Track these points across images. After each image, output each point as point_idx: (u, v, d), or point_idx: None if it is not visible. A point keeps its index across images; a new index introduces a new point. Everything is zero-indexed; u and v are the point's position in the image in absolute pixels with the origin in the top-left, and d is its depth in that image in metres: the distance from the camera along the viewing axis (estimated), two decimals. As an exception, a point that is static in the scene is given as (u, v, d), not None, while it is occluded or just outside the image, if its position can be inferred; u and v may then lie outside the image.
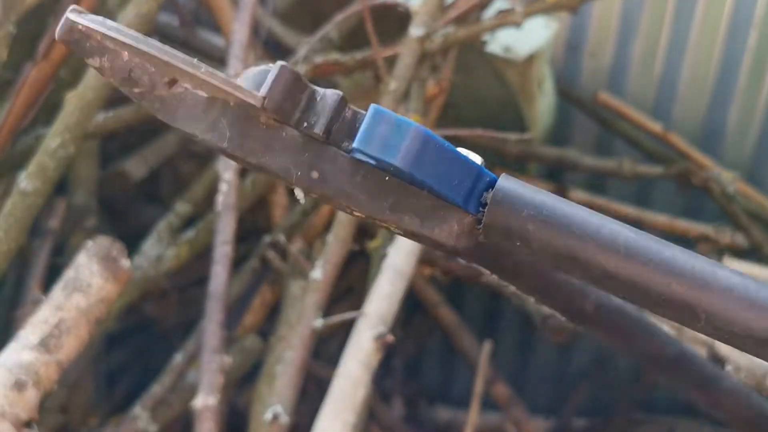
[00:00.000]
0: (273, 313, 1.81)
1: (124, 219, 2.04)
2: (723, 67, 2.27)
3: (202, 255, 1.85)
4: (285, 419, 1.13)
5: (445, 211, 0.59)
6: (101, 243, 1.25)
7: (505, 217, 0.60)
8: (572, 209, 0.64)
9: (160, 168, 2.06)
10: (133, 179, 1.92)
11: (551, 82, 2.25)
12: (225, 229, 1.27)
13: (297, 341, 1.16)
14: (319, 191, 0.59)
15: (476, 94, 2.28)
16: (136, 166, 1.93)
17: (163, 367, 2.18)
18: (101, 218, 1.87)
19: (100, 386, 1.83)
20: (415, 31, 1.44)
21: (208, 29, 2.62)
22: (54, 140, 1.35)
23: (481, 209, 0.61)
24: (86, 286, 1.21)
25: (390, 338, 1.25)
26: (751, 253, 2.05)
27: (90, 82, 1.38)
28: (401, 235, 0.61)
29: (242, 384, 1.92)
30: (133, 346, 2.21)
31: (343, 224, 1.22)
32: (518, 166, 2.32)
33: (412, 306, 2.58)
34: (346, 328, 2.27)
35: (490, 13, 1.68)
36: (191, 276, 2.18)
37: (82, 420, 1.68)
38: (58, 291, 1.20)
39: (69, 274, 1.22)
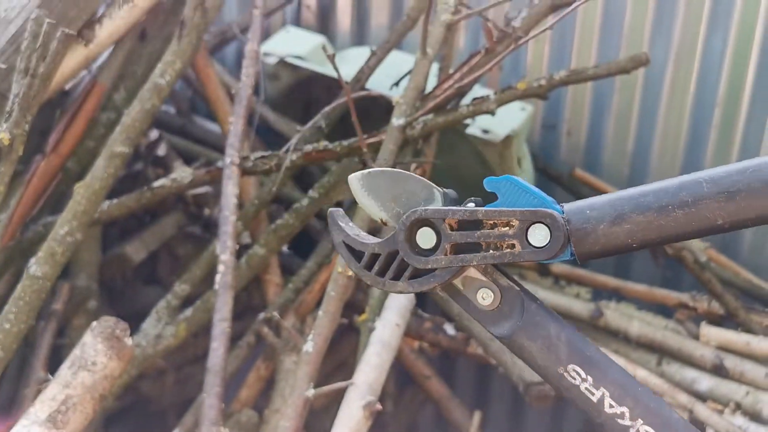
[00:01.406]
0: (267, 388, 1.87)
1: (123, 301, 2.11)
2: (690, 143, 2.40)
3: (198, 334, 1.93)
4: (280, 487, 1.19)
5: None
6: (105, 323, 1.33)
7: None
8: None
9: (158, 251, 2.15)
10: (132, 262, 2.01)
11: (529, 160, 2.36)
12: (223, 307, 1.35)
13: (290, 411, 1.23)
14: None
15: (458, 173, 2.40)
16: (135, 250, 2.02)
17: (160, 445, 2.21)
18: (102, 300, 1.95)
19: (99, 465, 1.86)
20: (397, 120, 1.56)
21: (203, 117, 2.77)
22: (62, 227, 1.45)
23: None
24: (91, 364, 1.28)
25: (378, 406, 1.32)
26: (727, 320, 2.13)
27: (97, 173, 1.49)
28: None
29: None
30: (130, 426, 2.25)
31: (333, 299, 1.31)
32: (502, 240, 2.42)
33: (403, 380, 2.63)
34: (339, 402, 2.32)
35: (467, 100, 1.81)
36: (187, 355, 2.24)
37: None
38: (65, 369, 1.28)
39: (75, 352, 1.30)
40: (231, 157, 1.52)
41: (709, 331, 2.02)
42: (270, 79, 2.49)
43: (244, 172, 1.65)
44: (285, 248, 2.04)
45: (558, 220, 0.85)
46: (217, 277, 1.38)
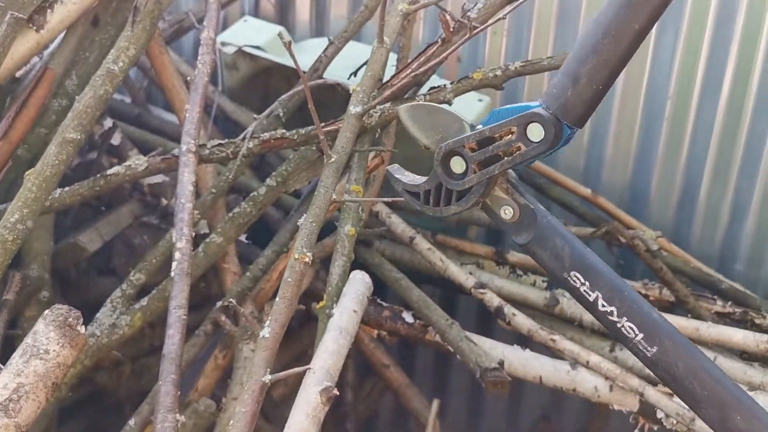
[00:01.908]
0: (225, 377, 1.87)
1: (77, 291, 2.08)
2: (644, 135, 2.46)
3: (154, 325, 1.91)
4: (236, 473, 1.19)
5: None
6: (58, 311, 1.31)
7: None
8: None
9: (113, 241, 2.12)
10: (86, 252, 1.98)
11: (487, 152, 2.39)
12: (179, 295, 1.34)
13: (247, 397, 1.23)
14: None
15: (417, 162, 2.42)
16: (89, 239, 1.99)
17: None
18: (55, 291, 1.92)
19: (52, 458, 1.83)
20: (354, 108, 1.57)
21: (159, 107, 2.73)
22: (13, 215, 1.42)
23: None
24: (44, 352, 1.26)
25: (335, 392, 1.33)
26: (678, 307, 2.19)
27: (49, 160, 1.47)
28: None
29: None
30: (86, 419, 2.22)
31: (290, 285, 1.31)
32: (459, 231, 2.44)
33: (364, 370, 2.65)
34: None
35: (424, 90, 1.82)
36: (143, 346, 2.22)
37: (35, 492, 1.68)
38: (16, 357, 1.26)
39: (27, 341, 1.28)
40: (187, 145, 1.51)
41: (660, 317, 2.07)
42: (228, 69, 2.47)
43: (201, 160, 1.64)
44: (243, 237, 2.03)
45: (541, 113, 0.99)
46: (174, 265, 1.38)
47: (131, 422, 1.58)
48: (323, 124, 1.57)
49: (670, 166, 2.44)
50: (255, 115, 1.73)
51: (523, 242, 1.08)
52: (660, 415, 1.90)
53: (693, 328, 2.03)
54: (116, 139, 2.22)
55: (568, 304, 2.19)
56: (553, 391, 2.53)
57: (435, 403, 2.16)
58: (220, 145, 1.66)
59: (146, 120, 2.56)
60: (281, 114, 1.81)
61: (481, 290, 2.06)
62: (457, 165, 1.05)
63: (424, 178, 1.10)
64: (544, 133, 0.98)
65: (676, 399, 1.90)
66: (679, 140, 2.41)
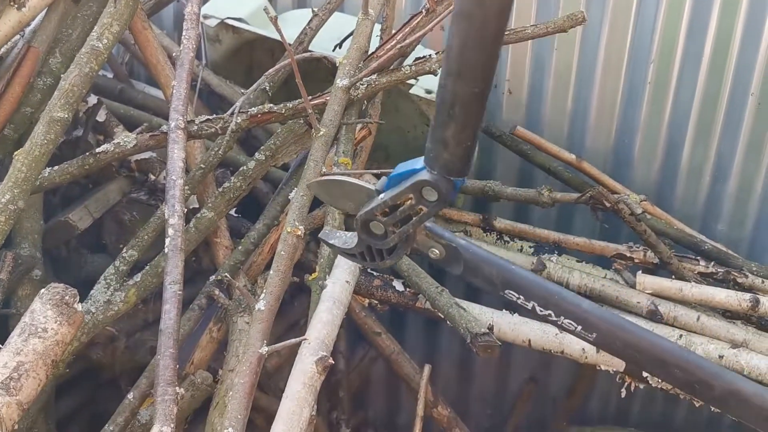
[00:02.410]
0: (220, 350, 1.89)
1: (69, 269, 2.09)
2: (627, 100, 2.48)
3: (147, 300, 1.92)
4: (237, 442, 1.22)
5: None
6: (54, 289, 1.32)
7: None
8: None
9: (103, 218, 2.13)
10: (77, 229, 1.98)
11: (472, 120, 2.40)
12: (173, 270, 1.36)
13: (245, 368, 1.25)
14: None
15: (403, 133, 2.43)
16: (79, 217, 1.99)
17: (110, 412, 2.21)
18: (47, 269, 1.92)
19: (51, 433, 1.86)
20: (341, 81, 1.57)
21: (141, 81, 2.71)
22: (4, 195, 1.42)
23: None
24: (42, 330, 1.28)
25: (330, 361, 1.36)
26: (662, 268, 2.23)
27: (37, 140, 1.47)
28: None
29: (193, 419, 1.98)
30: (82, 394, 2.24)
31: (284, 258, 1.32)
32: (447, 199, 2.47)
33: (355, 339, 2.68)
34: (292, 362, 2.35)
35: (409, 61, 1.83)
36: (137, 322, 2.24)
37: (37, 466, 1.71)
38: (15, 337, 1.27)
39: (25, 320, 1.29)
40: (176, 121, 1.52)
41: (644, 279, 2.12)
42: (211, 42, 2.46)
43: (190, 136, 1.64)
44: (233, 212, 2.04)
45: (428, 179, 1.08)
46: (167, 241, 1.39)
47: (130, 396, 1.60)
48: (311, 97, 1.58)
49: (654, 129, 2.47)
50: (242, 90, 1.73)
51: (458, 273, 1.20)
52: (645, 374, 1.95)
53: (677, 289, 2.07)
54: (101, 116, 2.21)
55: (555, 269, 2.23)
56: (540, 354, 2.59)
57: (426, 369, 2.20)
58: (208, 120, 1.67)
59: (129, 95, 2.54)
60: (268, 88, 1.81)
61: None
62: (377, 228, 1.17)
63: (354, 239, 1.21)
64: (437, 194, 1.09)
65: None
66: (662, 104, 2.43)
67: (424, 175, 1.08)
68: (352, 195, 1.18)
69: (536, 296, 1.17)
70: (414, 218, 1.13)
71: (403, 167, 1.12)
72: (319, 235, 1.26)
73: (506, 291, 1.18)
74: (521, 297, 1.17)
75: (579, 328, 1.16)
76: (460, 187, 1.09)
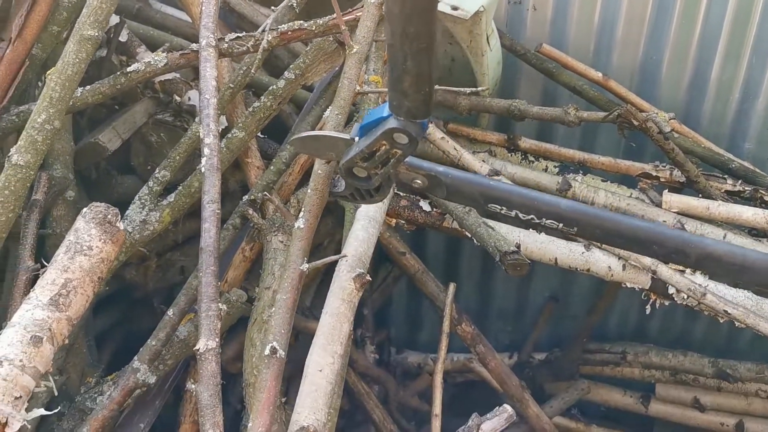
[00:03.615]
0: (252, 269, 1.92)
1: (99, 190, 2.11)
2: (656, 15, 2.42)
3: (176, 222, 1.94)
4: (282, 354, 1.25)
5: None
6: (96, 208, 1.34)
7: None
8: None
9: (130, 139, 2.13)
10: (107, 150, 1.99)
11: (497, 36, 2.36)
12: (211, 189, 1.36)
13: (287, 284, 1.28)
14: None
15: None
16: (108, 138, 2.00)
17: (143, 329, 2.27)
18: (79, 190, 1.94)
19: (91, 349, 1.92)
20: (373, -4, 1.54)
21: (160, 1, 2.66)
22: (40, 115, 1.42)
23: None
24: (87, 248, 1.30)
25: (368, 278, 1.38)
26: (688, 187, 2.23)
27: (69, 59, 1.45)
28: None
29: (226, 336, 2.04)
30: (118, 311, 2.30)
31: (321, 177, 1.33)
32: (470, 119, 2.45)
33: (378, 258, 2.72)
34: (316, 282, 2.39)
35: (439, -26, 1.78)
36: (167, 242, 2.27)
37: (79, 380, 1.77)
38: (61, 254, 1.29)
39: (69, 238, 1.31)
40: (206, 39, 1.49)
41: (671, 198, 2.12)
42: (231, -42, 2.40)
43: (220, 54, 1.62)
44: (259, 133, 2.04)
45: (396, 125, 1.18)
46: (203, 160, 1.39)
47: (170, 313, 1.64)
48: (343, 13, 1.55)
49: (683, 46, 2.42)
50: (273, 7, 1.69)
51: (443, 197, 1.32)
52: (671, 290, 1.98)
53: (704, 207, 2.08)
54: (123, 36, 2.18)
55: (580, 188, 2.23)
56: (561, 273, 2.62)
57: (451, 287, 2.23)
58: (239, 38, 1.64)
59: (147, 14, 2.50)
60: (295, 5, 1.78)
61: (495, 177, 2.09)
62: (360, 172, 1.28)
63: (342, 183, 1.33)
64: (407, 137, 1.19)
65: (688, 274, 1.97)
66: (693, 20, 2.37)
67: (392, 123, 1.18)
68: (331, 146, 1.30)
69: (517, 204, 1.28)
70: (392, 160, 1.24)
71: (371, 116, 1.22)
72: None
73: (489, 205, 1.29)
74: (504, 208, 1.28)
75: (561, 225, 1.27)
76: (427, 126, 1.20)
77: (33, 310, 1.23)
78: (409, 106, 1.14)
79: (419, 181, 1.30)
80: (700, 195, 2.16)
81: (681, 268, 1.99)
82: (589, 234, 1.31)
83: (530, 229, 2.06)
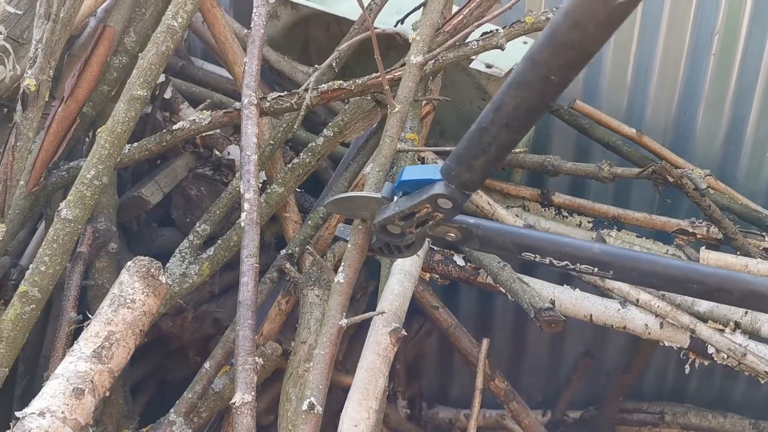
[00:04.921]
0: (287, 323, 1.94)
1: (140, 242, 2.15)
2: (690, 71, 2.43)
3: (213, 274, 1.97)
4: (319, 410, 1.25)
5: None
6: (140, 262, 1.37)
7: None
8: None
9: (171, 193, 2.18)
10: (149, 204, 2.04)
11: (531, 94, 2.38)
12: (250, 244, 1.39)
13: (325, 339, 1.29)
14: None
15: (460, 109, 2.43)
16: (151, 192, 2.05)
17: (178, 380, 2.28)
18: (120, 242, 1.99)
19: (127, 400, 1.93)
20: (415, 57, 1.58)
21: (198, 57, 2.75)
22: (89, 171, 1.47)
23: None
24: (130, 301, 1.33)
25: (403, 333, 1.39)
26: (725, 244, 2.21)
27: (119, 117, 1.51)
28: None
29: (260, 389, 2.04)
30: (153, 362, 2.32)
31: (360, 232, 1.35)
32: (504, 174, 2.47)
33: (410, 311, 2.71)
34: (348, 335, 2.39)
35: (476, 35, 1.83)
36: (204, 294, 2.30)
37: (115, 431, 1.79)
38: (105, 307, 1.33)
39: (113, 291, 1.34)
40: (248, 98, 1.54)
41: (708, 255, 2.10)
42: (269, 18, 2.48)
43: (263, 112, 1.67)
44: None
45: (445, 193, 1.19)
46: (243, 215, 1.42)
47: (206, 365, 1.66)
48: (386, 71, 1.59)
49: (717, 102, 2.43)
50: (315, 66, 1.75)
51: (476, 248, 1.32)
52: (711, 350, 1.94)
53: (742, 265, 2.05)
54: (167, 93, 2.26)
55: (615, 244, 2.22)
56: (596, 328, 2.59)
57: (485, 342, 2.22)
58: (280, 97, 1.69)
59: (190, 72, 2.59)
60: (334, 64, 1.83)
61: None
62: (394, 229, 1.29)
63: (374, 237, 1.35)
64: (452, 204, 1.20)
65: (727, 335, 1.94)
66: (726, 76, 2.39)
67: (441, 188, 1.19)
68: (364, 206, 1.32)
69: (550, 251, 1.27)
70: (431, 222, 1.25)
71: (414, 174, 1.24)
72: (336, 233, 1.43)
73: (523, 253, 1.28)
74: (537, 255, 1.27)
75: (596, 269, 1.26)
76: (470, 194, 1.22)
77: (76, 362, 1.26)
78: (468, 179, 1.16)
79: (452, 234, 1.30)
80: (738, 252, 2.14)
81: (720, 327, 1.96)
82: (626, 276, 1.29)
83: (566, 277, 2.05)
